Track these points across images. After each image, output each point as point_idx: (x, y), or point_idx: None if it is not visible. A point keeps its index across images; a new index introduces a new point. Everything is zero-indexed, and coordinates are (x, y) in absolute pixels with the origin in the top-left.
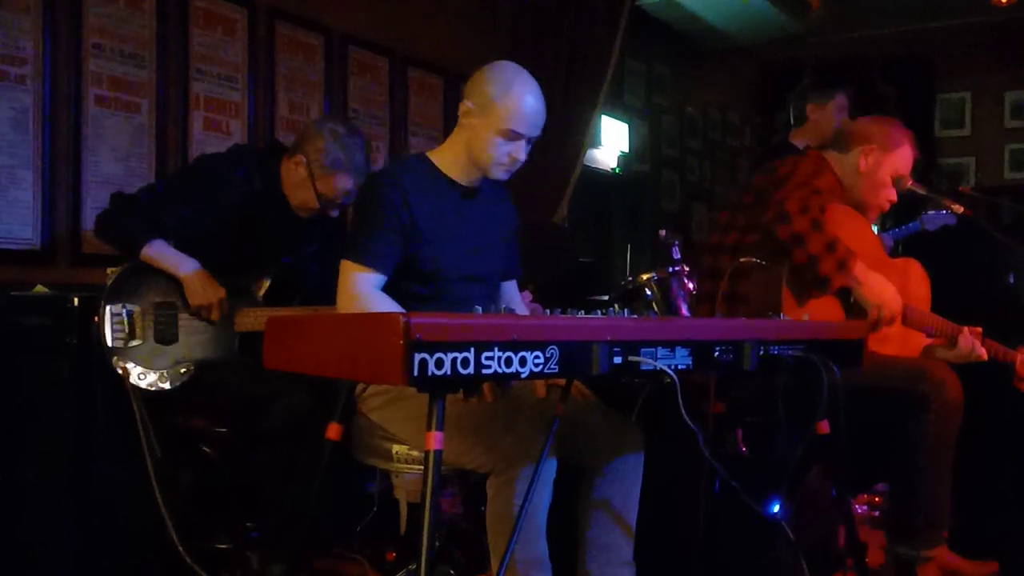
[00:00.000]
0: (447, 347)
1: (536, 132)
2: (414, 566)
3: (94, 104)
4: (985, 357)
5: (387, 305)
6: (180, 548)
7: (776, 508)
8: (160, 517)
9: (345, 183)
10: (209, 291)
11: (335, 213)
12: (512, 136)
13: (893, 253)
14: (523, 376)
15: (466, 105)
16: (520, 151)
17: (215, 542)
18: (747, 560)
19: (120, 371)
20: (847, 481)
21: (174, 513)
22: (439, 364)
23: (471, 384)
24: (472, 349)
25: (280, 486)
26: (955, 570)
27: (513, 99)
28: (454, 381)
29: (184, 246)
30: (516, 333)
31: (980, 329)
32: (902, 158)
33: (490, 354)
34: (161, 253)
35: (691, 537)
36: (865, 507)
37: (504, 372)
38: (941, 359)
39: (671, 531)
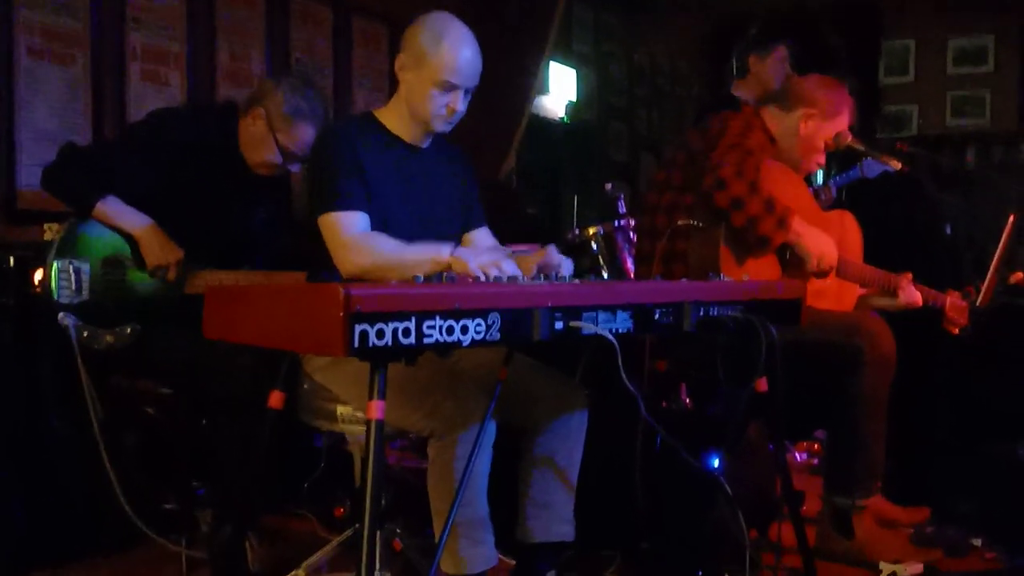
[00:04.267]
0: (388, 317)
1: (472, 82)
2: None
3: (26, 56)
4: (920, 303)
5: (386, 241)
6: (127, 509)
7: (715, 463)
8: (108, 478)
9: (307, 133)
10: (167, 250)
11: (296, 167)
12: (448, 87)
13: (836, 200)
14: (465, 344)
15: (401, 60)
16: (458, 102)
17: (162, 503)
18: (687, 515)
19: (66, 328)
20: (784, 434)
21: (121, 474)
22: (380, 334)
23: (413, 353)
24: (413, 319)
25: (227, 448)
26: (889, 517)
27: (446, 49)
28: (395, 351)
29: (136, 203)
30: (458, 301)
31: (910, 275)
32: (840, 126)
33: (431, 323)
34: (115, 210)
35: (631, 493)
36: (804, 455)
37: (446, 340)
38: (878, 307)
39: (613, 487)
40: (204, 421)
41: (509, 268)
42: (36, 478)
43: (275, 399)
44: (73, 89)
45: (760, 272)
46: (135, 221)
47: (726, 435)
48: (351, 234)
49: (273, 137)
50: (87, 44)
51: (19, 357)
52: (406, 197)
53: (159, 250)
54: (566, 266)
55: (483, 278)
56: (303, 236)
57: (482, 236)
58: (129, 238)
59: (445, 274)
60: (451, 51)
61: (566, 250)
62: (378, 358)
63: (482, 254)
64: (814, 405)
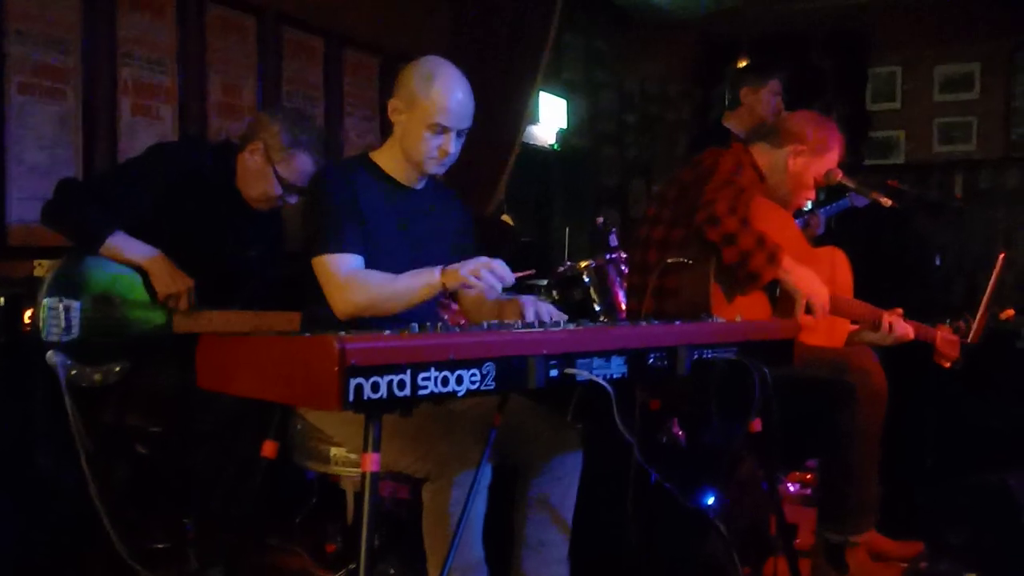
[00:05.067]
0: (383, 370)
1: (464, 124)
2: (354, 566)
3: (17, 92)
4: (912, 337)
5: (377, 276)
6: (118, 546)
7: (710, 501)
8: (97, 515)
9: (305, 163)
10: (177, 280)
11: (294, 199)
12: (439, 129)
13: (826, 231)
14: (460, 395)
15: (393, 103)
16: (450, 144)
17: (152, 541)
18: (681, 552)
19: (54, 366)
20: (776, 471)
21: (110, 511)
22: (375, 388)
23: (408, 405)
24: (408, 371)
25: (216, 484)
26: (883, 552)
27: (436, 92)
28: (391, 403)
29: (132, 234)
30: (452, 352)
31: (901, 310)
32: (830, 163)
33: (426, 375)
34: (123, 243)
35: (625, 531)
36: (797, 485)
37: (441, 392)
38: (869, 342)
39: (607, 526)
40: (193, 457)
41: (499, 268)
42: (24, 515)
43: (268, 448)
44: (64, 124)
45: (750, 309)
46: (144, 252)
47: (719, 470)
48: (343, 274)
49: (272, 169)
50: (78, 79)
51: (8, 395)
52: (401, 238)
53: (169, 280)
54: (544, 311)
55: (475, 281)
56: (295, 269)
57: None
58: (139, 270)
59: (440, 324)
60: (442, 94)
61: (558, 283)
62: (373, 411)
63: (469, 263)
64: (806, 437)
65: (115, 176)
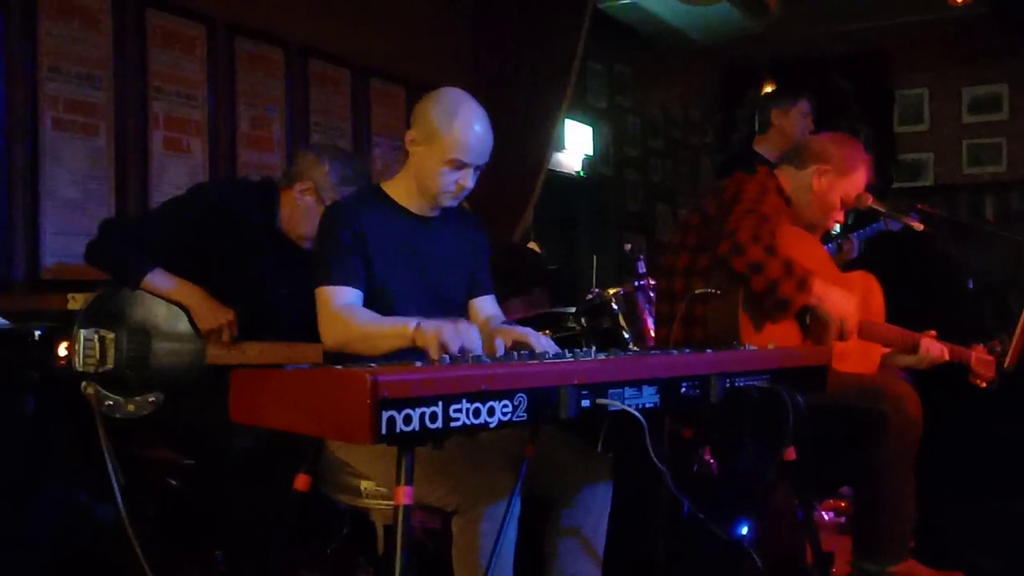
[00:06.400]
0: (415, 403)
1: (483, 160)
2: None
3: (51, 128)
4: (947, 359)
5: (362, 316)
6: None
7: (744, 530)
8: (128, 550)
9: None
10: (218, 314)
11: None
12: (458, 165)
13: (859, 253)
14: (492, 426)
15: (411, 134)
16: (467, 179)
17: (184, 574)
18: None
19: (88, 397)
20: (811, 499)
21: (143, 544)
22: (407, 420)
23: (440, 437)
24: (440, 403)
25: (247, 517)
26: None
27: (457, 128)
28: (422, 435)
29: (170, 269)
30: (484, 383)
31: (934, 332)
32: (855, 183)
33: (458, 406)
34: (163, 280)
35: (657, 561)
36: (831, 513)
37: (473, 423)
38: (903, 366)
39: (637, 554)
40: (224, 490)
41: (469, 343)
42: (56, 550)
43: (301, 482)
44: (96, 159)
45: (780, 336)
46: (182, 290)
47: (753, 500)
48: (333, 308)
49: (323, 207)
50: (111, 114)
51: (41, 428)
52: (413, 268)
53: (210, 314)
54: (537, 343)
55: (439, 355)
56: None
57: (486, 304)
58: (180, 306)
59: (471, 355)
60: (463, 130)
61: (586, 310)
62: (405, 443)
63: (446, 327)
64: (838, 465)
65: (157, 215)
